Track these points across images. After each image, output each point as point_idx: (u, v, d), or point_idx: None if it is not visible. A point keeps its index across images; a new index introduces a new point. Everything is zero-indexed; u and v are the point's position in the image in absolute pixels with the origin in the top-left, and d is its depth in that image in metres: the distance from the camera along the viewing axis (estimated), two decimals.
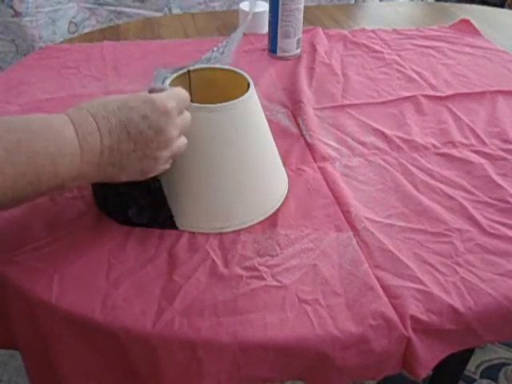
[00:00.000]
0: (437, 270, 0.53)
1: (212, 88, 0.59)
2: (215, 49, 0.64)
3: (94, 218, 0.57)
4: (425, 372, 0.50)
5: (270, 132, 0.61)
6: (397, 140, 0.72)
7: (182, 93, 0.51)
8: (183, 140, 0.51)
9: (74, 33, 1.40)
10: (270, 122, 0.62)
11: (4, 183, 0.38)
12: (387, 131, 0.74)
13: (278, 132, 0.71)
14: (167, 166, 0.51)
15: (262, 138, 0.59)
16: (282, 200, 0.60)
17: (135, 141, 0.46)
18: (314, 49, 0.97)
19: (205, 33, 1.05)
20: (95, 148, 0.44)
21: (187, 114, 0.51)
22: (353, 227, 0.57)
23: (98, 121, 0.44)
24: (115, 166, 0.46)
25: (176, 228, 0.55)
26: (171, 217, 0.55)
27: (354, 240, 0.56)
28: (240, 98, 0.54)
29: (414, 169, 0.67)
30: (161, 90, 0.50)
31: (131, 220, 0.55)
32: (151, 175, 0.50)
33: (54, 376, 0.52)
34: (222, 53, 0.64)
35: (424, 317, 0.48)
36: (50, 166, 0.41)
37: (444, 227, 0.58)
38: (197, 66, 0.59)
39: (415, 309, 0.48)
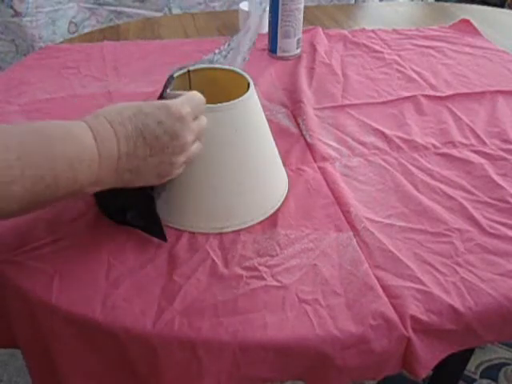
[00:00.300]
0: (437, 270, 0.53)
1: (212, 88, 0.59)
2: (217, 51, 0.64)
3: (94, 218, 0.57)
4: (425, 372, 0.50)
5: (269, 132, 0.61)
6: (397, 140, 0.72)
7: (197, 97, 0.51)
8: (198, 145, 0.51)
9: (74, 33, 1.40)
10: (270, 122, 0.62)
11: (23, 186, 0.39)
12: (387, 131, 0.74)
13: (278, 132, 0.71)
14: (181, 170, 0.51)
15: (262, 138, 0.59)
16: (282, 200, 0.60)
17: (151, 146, 0.46)
18: (313, 49, 0.97)
19: (205, 33, 1.05)
20: (113, 154, 0.44)
21: (203, 119, 0.51)
22: (353, 227, 0.57)
23: (114, 127, 0.45)
24: (132, 171, 0.47)
25: (165, 239, 0.54)
26: (161, 228, 0.54)
27: (354, 240, 0.56)
28: (240, 98, 0.54)
29: (413, 169, 0.67)
30: (175, 96, 0.50)
31: (130, 222, 0.55)
32: (167, 179, 0.50)
33: (55, 376, 0.52)
34: (225, 56, 0.64)
35: (424, 317, 0.48)
36: (68, 172, 0.41)
37: (444, 227, 0.58)
38: (197, 66, 0.59)
39: (415, 309, 0.48)
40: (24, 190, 0.39)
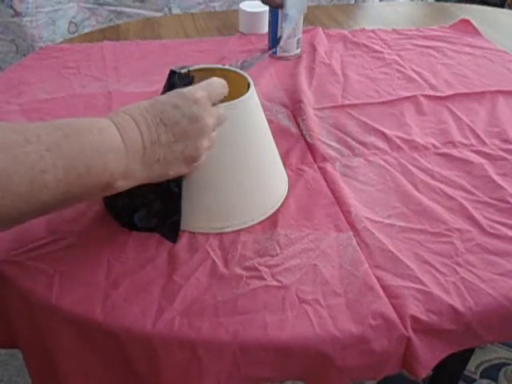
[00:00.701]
0: (437, 270, 0.53)
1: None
2: (233, 62, 0.65)
3: (94, 218, 0.57)
4: (425, 372, 0.50)
5: (270, 132, 0.61)
6: (397, 140, 0.72)
7: (216, 83, 0.51)
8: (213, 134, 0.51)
9: (74, 33, 1.40)
10: (270, 122, 0.62)
11: (56, 176, 0.39)
12: (387, 131, 0.74)
13: (278, 132, 0.71)
14: (204, 156, 0.51)
15: (262, 138, 0.59)
16: (282, 200, 0.60)
17: (173, 132, 0.47)
18: (313, 49, 0.97)
19: (205, 33, 1.05)
20: (137, 143, 0.45)
21: (220, 109, 0.52)
22: (353, 227, 0.57)
23: (134, 118, 0.46)
24: (160, 161, 0.47)
25: (175, 241, 0.54)
26: (177, 226, 0.55)
27: (354, 240, 0.56)
28: (240, 98, 0.54)
29: (414, 169, 0.67)
30: None
31: (135, 223, 0.55)
32: (195, 165, 0.51)
33: (54, 376, 0.52)
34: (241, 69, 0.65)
35: (424, 317, 0.48)
36: (98, 159, 0.42)
37: (444, 227, 0.58)
38: (197, 66, 0.59)
39: (415, 309, 0.48)
40: (57, 181, 0.39)
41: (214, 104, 0.51)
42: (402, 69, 0.91)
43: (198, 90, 0.49)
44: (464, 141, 0.73)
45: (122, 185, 0.46)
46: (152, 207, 0.54)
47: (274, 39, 0.93)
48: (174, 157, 0.48)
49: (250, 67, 0.67)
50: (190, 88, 0.49)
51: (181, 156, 0.48)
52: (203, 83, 0.51)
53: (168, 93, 0.49)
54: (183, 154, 0.48)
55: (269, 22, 0.93)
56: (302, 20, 0.92)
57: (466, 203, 0.61)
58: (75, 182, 0.41)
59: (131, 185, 0.47)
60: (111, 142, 0.43)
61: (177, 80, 0.54)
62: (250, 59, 0.68)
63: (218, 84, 0.52)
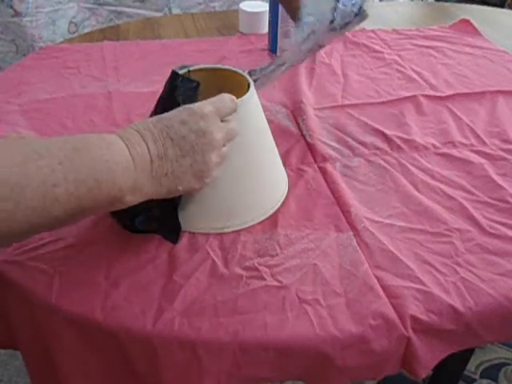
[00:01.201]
0: (437, 270, 0.53)
1: (212, 88, 0.59)
2: (258, 69, 0.64)
3: (95, 218, 0.57)
4: (425, 372, 0.50)
5: (270, 132, 0.61)
6: (397, 140, 0.72)
7: (226, 98, 0.51)
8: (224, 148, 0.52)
9: (74, 33, 1.40)
10: (270, 122, 0.62)
11: (67, 190, 0.39)
12: (387, 131, 0.74)
13: (278, 132, 0.71)
14: (217, 172, 0.52)
15: (262, 138, 0.59)
16: (282, 200, 0.60)
17: (180, 146, 0.47)
18: None
19: (205, 33, 1.05)
20: (145, 157, 0.45)
21: (231, 121, 0.52)
22: (353, 227, 0.57)
23: (141, 133, 0.46)
24: (168, 175, 0.47)
25: (175, 242, 0.55)
26: (178, 227, 0.55)
27: (354, 240, 0.56)
28: (240, 99, 0.54)
29: (414, 169, 0.67)
30: None
31: (136, 226, 0.55)
32: (207, 181, 0.51)
33: (54, 376, 0.52)
34: (264, 75, 0.64)
35: (424, 317, 0.48)
36: (107, 174, 0.42)
37: (444, 227, 0.58)
38: (197, 67, 0.59)
39: (415, 309, 0.48)
40: (68, 194, 0.39)
41: (223, 120, 0.51)
42: (401, 69, 0.91)
43: (206, 106, 0.49)
44: (464, 141, 0.73)
45: (131, 200, 0.46)
46: (152, 213, 0.54)
47: (274, 39, 0.93)
48: (183, 171, 0.48)
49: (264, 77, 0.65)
50: (198, 104, 0.50)
51: (190, 170, 0.48)
52: (213, 99, 0.51)
53: (176, 109, 0.50)
54: (192, 168, 0.48)
55: (269, 21, 0.93)
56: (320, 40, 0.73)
57: (466, 203, 0.61)
58: (85, 197, 0.41)
59: (139, 200, 0.47)
60: (120, 156, 0.44)
61: (179, 82, 0.54)
62: (264, 70, 0.66)
63: (227, 99, 0.52)
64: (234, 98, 0.52)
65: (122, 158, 0.44)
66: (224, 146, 0.51)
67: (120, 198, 0.44)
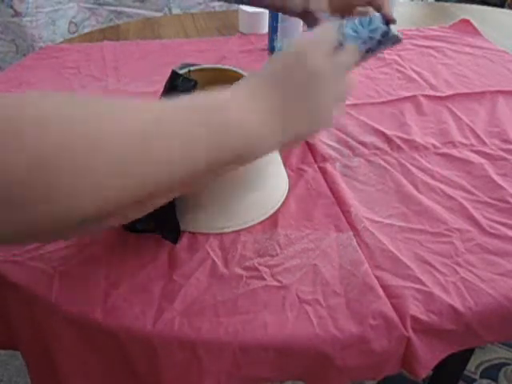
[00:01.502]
0: (437, 270, 0.53)
1: (212, 88, 0.59)
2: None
3: None
4: (425, 372, 0.50)
5: None
6: (397, 140, 0.72)
7: (327, 31, 0.47)
8: (344, 82, 0.48)
9: (74, 33, 1.40)
10: None
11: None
12: (387, 131, 0.74)
13: None
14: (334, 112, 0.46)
15: None
16: (282, 200, 0.60)
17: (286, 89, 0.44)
18: None
19: (205, 33, 1.05)
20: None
21: (341, 55, 0.47)
22: (353, 227, 0.57)
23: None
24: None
25: (175, 242, 0.54)
26: (178, 227, 0.55)
27: (354, 240, 0.56)
28: None
29: (414, 169, 0.67)
30: None
31: (136, 227, 0.55)
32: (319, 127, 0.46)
33: (54, 376, 0.52)
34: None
35: (424, 317, 0.48)
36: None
37: (444, 227, 0.58)
38: (197, 67, 0.59)
39: (415, 309, 0.48)
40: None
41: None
42: (402, 69, 0.91)
43: (303, 43, 0.45)
44: (464, 141, 0.73)
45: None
46: (150, 212, 0.54)
47: (274, 39, 0.93)
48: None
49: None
50: (295, 42, 0.45)
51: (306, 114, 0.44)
52: (316, 34, 0.46)
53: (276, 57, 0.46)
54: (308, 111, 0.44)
55: (269, 22, 0.93)
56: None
57: (466, 203, 0.61)
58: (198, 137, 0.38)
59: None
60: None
61: (180, 82, 0.54)
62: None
63: (328, 33, 0.47)
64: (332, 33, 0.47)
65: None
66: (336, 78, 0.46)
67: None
